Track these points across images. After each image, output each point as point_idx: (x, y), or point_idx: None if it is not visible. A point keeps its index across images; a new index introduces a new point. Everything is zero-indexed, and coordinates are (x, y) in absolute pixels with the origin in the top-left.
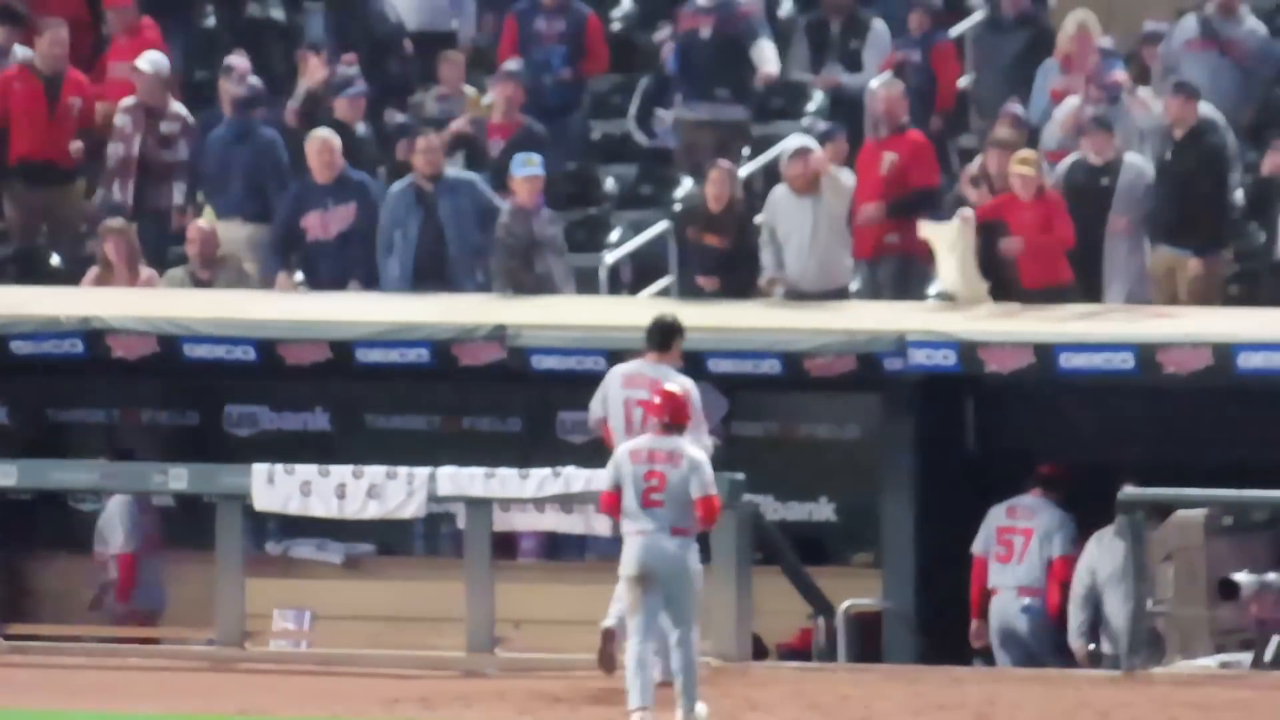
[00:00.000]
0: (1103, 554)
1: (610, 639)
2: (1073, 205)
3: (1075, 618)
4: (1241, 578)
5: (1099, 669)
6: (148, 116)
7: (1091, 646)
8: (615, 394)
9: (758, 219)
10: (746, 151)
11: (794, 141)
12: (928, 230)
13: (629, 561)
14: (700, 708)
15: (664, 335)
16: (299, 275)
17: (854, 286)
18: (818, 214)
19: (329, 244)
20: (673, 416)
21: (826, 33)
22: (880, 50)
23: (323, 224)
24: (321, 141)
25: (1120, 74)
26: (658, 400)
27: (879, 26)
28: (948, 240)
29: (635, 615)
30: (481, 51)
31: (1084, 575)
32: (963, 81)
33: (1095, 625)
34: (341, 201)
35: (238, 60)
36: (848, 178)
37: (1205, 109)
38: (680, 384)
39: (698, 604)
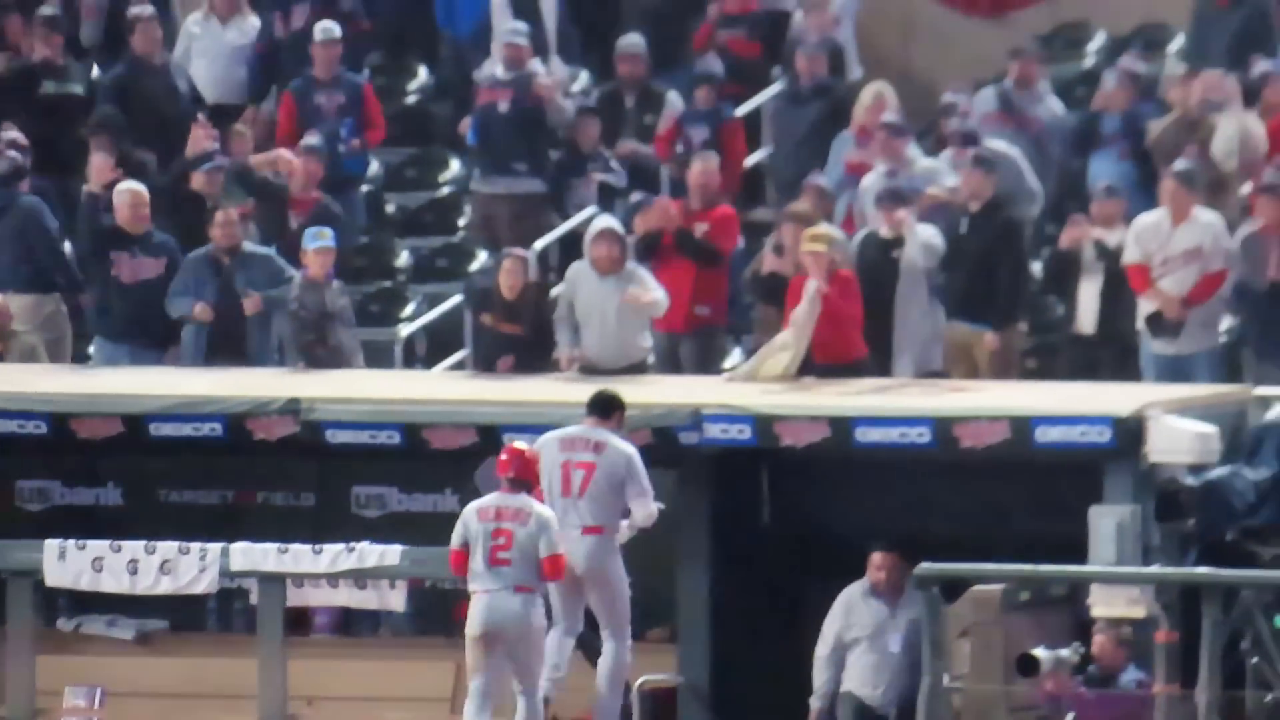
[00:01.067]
0: (850, 614)
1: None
2: (865, 278)
3: (819, 678)
4: (1040, 653)
5: None
6: None
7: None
8: (552, 457)
9: (555, 291)
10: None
11: (601, 222)
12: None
13: (474, 621)
14: None
15: (605, 405)
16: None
17: (651, 360)
18: (620, 294)
19: (129, 288)
20: (519, 473)
21: (621, 106)
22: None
23: (129, 267)
24: (133, 193)
25: (902, 142)
26: (504, 457)
27: (673, 98)
28: (799, 322)
29: (475, 677)
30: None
31: (829, 637)
32: (759, 154)
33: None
34: (149, 255)
35: (2, 133)
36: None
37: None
38: (623, 449)
39: (541, 661)
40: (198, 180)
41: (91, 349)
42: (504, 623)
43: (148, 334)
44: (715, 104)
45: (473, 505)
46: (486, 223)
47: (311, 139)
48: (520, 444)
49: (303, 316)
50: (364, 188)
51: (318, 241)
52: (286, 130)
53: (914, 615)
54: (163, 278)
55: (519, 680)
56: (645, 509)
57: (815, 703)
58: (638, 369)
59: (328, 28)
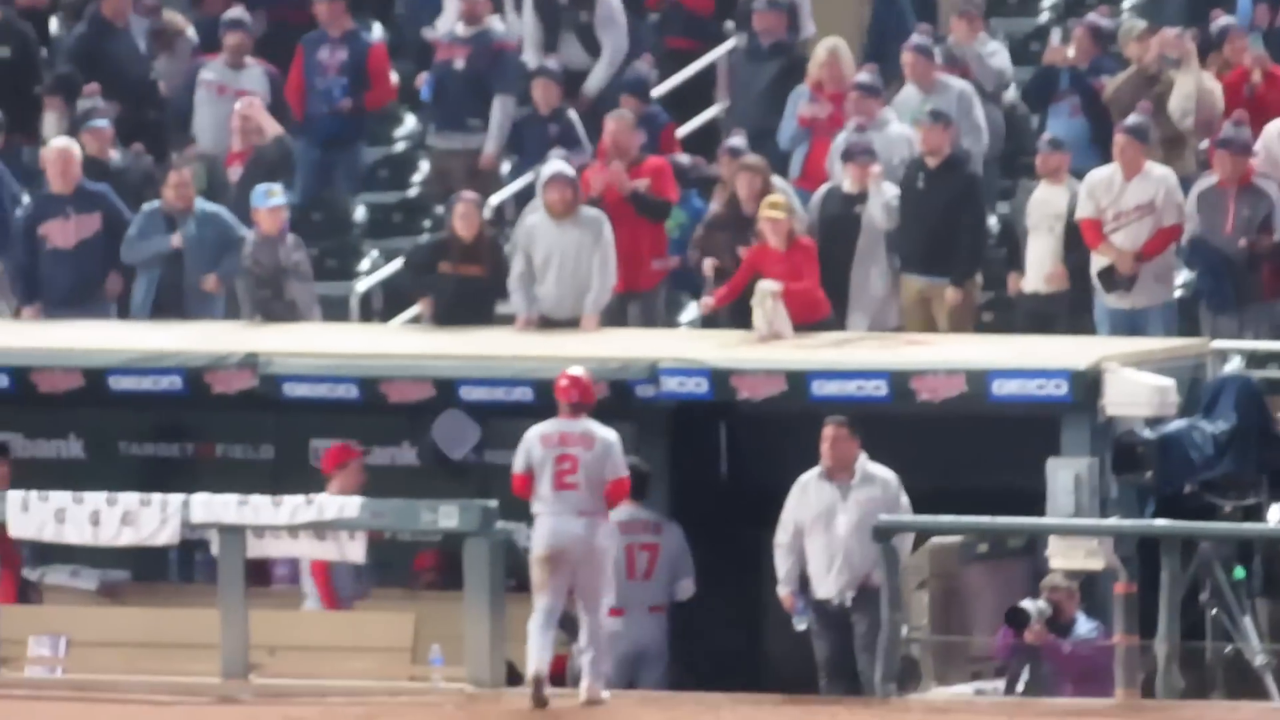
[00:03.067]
0: (803, 500)
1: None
2: (825, 233)
3: (781, 566)
4: (1028, 605)
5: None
6: None
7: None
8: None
9: (507, 248)
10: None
11: (552, 166)
12: (755, 298)
13: (539, 542)
14: (605, 692)
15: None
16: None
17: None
18: (580, 240)
19: (68, 253)
20: (581, 397)
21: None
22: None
23: (63, 232)
24: (58, 151)
25: (875, 102)
26: (564, 383)
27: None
28: (764, 306)
29: (540, 596)
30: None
31: (787, 523)
32: (715, 109)
33: (803, 575)
34: (84, 211)
35: None
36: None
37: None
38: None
39: (605, 582)
40: (88, 142)
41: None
42: (568, 545)
43: (89, 298)
44: (645, 110)
45: (535, 431)
46: (441, 178)
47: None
48: (576, 370)
49: (257, 273)
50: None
51: (269, 200)
52: (294, 82)
53: (863, 498)
54: (100, 233)
55: (582, 601)
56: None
57: (783, 590)
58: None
59: None
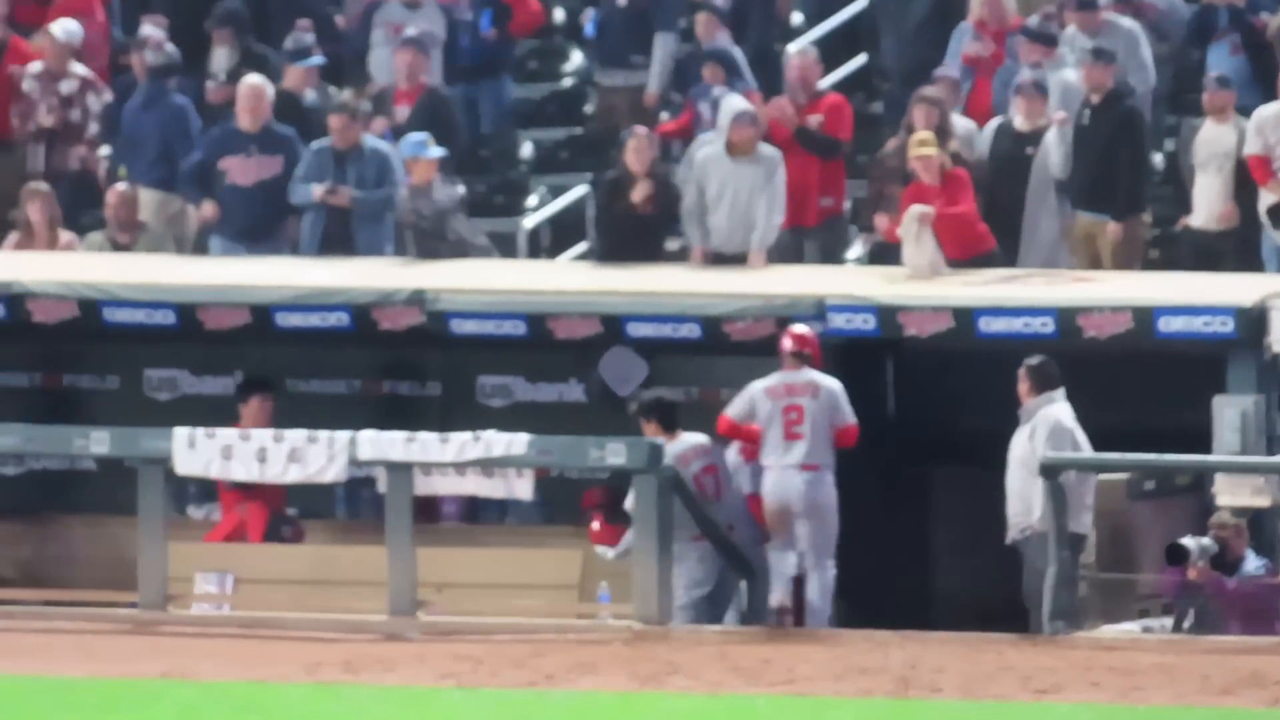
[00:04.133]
0: (1021, 444)
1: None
2: (996, 172)
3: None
4: (1188, 542)
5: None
6: (50, 80)
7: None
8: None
9: (679, 180)
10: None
11: (737, 104)
12: (901, 226)
13: (768, 495)
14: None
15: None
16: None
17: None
18: (753, 176)
19: (246, 190)
20: (804, 346)
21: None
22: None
23: (243, 169)
24: (251, 88)
25: (1039, 42)
26: (788, 338)
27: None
28: (911, 232)
29: (773, 546)
30: None
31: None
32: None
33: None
34: (267, 152)
35: (152, 29)
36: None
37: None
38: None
39: (830, 535)
40: (290, 76)
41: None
42: (792, 499)
43: (268, 234)
44: None
45: (759, 384)
46: (607, 114)
47: (411, 30)
48: (799, 328)
49: (421, 225)
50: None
51: (420, 151)
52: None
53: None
54: (279, 177)
55: (811, 553)
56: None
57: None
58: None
59: None
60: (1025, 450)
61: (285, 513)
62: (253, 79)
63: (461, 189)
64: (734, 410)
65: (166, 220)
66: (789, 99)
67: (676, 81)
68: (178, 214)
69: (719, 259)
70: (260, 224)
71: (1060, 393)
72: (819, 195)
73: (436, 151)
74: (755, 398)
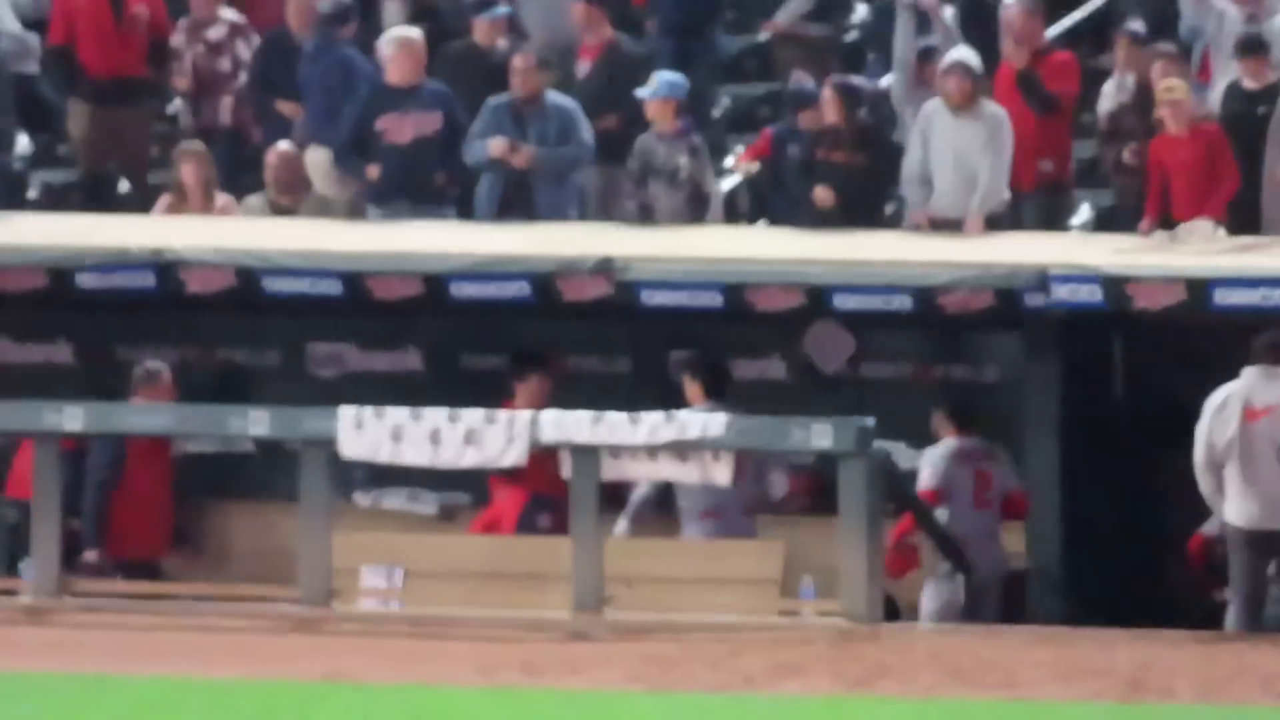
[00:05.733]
0: (1218, 422)
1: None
2: (1228, 132)
3: (1202, 484)
4: None
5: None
6: (198, 27)
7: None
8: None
9: (905, 134)
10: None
11: (954, 53)
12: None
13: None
14: None
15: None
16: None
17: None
18: (975, 135)
19: (404, 149)
20: None
21: None
22: None
23: (399, 127)
24: (400, 41)
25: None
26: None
27: None
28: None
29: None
30: None
31: (1201, 446)
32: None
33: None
34: (423, 108)
35: None
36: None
37: None
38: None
39: None
40: (479, 29)
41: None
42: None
43: (424, 194)
44: None
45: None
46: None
47: None
48: None
49: (639, 175)
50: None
51: (657, 90)
52: None
53: None
54: (439, 133)
55: None
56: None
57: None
58: (992, 221)
59: None
60: None
61: (547, 497)
62: (397, 31)
63: (688, 159)
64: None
65: (334, 182)
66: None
67: (876, 40)
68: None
69: (935, 225)
70: (421, 184)
71: None
72: (1036, 157)
73: (669, 91)
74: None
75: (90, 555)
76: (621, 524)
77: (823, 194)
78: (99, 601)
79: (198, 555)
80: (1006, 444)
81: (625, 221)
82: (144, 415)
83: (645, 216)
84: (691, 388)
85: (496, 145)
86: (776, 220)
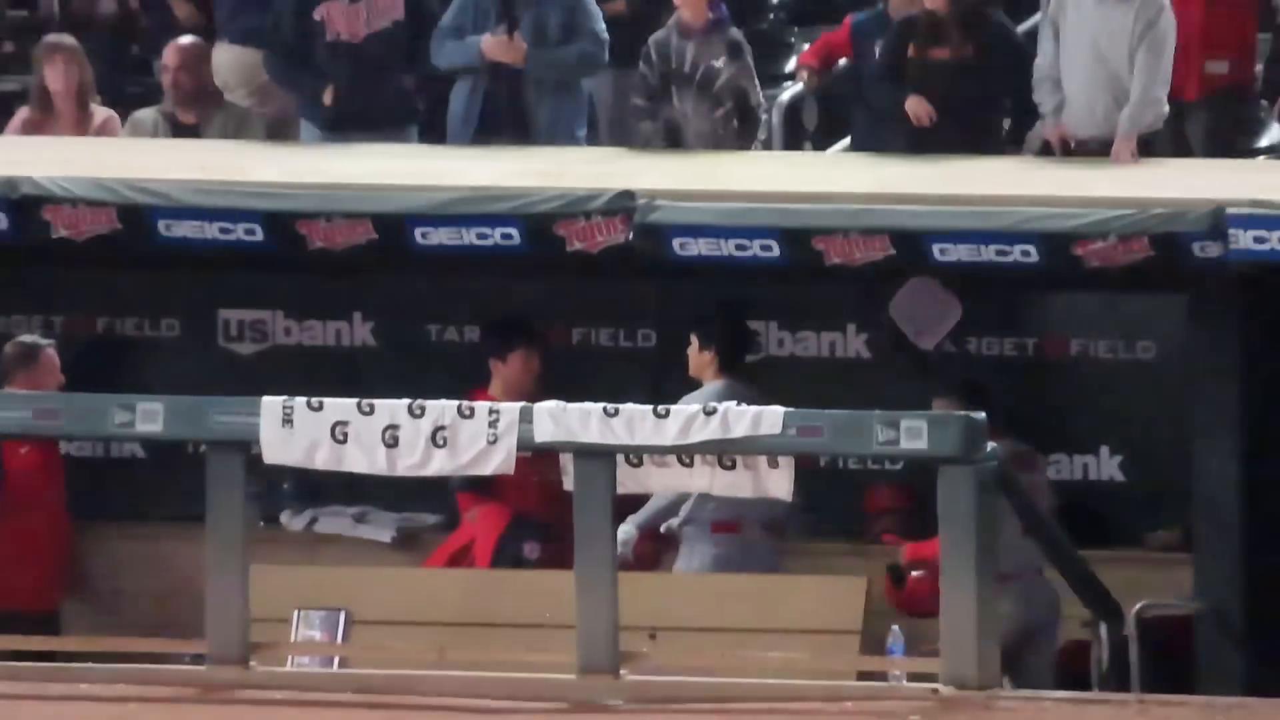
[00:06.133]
0: None
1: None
2: None
3: None
4: None
5: None
6: None
7: None
8: None
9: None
10: None
11: None
12: None
13: None
14: None
15: None
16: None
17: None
18: (1122, 25)
19: (353, 48)
20: None
21: None
22: None
23: (347, 19)
24: None
25: None
26: None
27: None
28: None
29: None
30: None
31: None
32: None
33: None
34: None
35: None
36: None
37: None
38: None
39: None
40: None
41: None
42: None
43: (382, 112)
44: None
45: None
46: None
47: None
48: None
49: (651, 80)
50: None
51: None
52: None
53: None
54: (401, 26)
55: None
56: None
57: None
58: (1147, 143)
59: None
60: None
61: (533, 520)
62: None
63: (728, 40)
64: None
65: (254, 92)
66: None
67: None
68: (268, 84)
69: (1068, 147)
70: (372, 97)
71: None
72: (1206, 54)
73: None
74: None
75: None
76: (626, 530)
77: (918, 106)
78: None
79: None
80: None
81: (650, 146)
82: None
83: (671, 139)
84: (700, 359)
85: (490, 43)
86: (855, 144)
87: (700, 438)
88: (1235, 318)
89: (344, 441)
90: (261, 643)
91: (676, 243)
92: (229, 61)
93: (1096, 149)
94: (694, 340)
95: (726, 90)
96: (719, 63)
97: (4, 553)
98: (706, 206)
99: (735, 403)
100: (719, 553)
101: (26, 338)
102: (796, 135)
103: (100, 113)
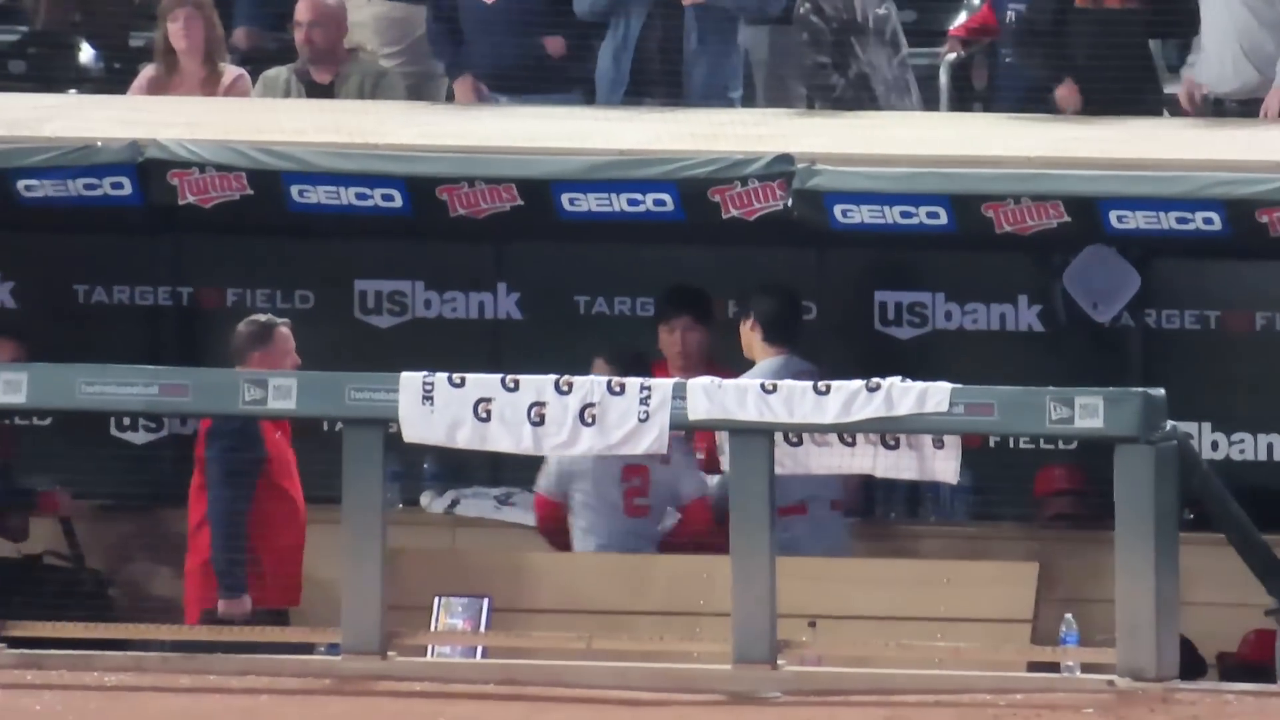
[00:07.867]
0: None
1: None
2: None
3: None
4: None
5: None
6: None
7: None
8: None
9: None
10: None
11: None
12: None
13: None
14: None
15: None
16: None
17: None
18: None
19: (494, 6)
20: None
21: None
22: None
23: None
24: None
25: None
26: None
27: None
28: None
29: None
30: None
31: None
32: None
33: None
34: None
35: None
36: None
37: None
38: None
39: None
40: None
41: None
42: None
43: (528, 72)
44: None
45: None
46: None
47: None
48: None
49: (813, 32)
50: None
51: None
52: None
53: None
54: None
55: None
56: None
57: None
58: None
59: None
60: None
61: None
62: None
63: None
64: None
65: (402, 44)
66: None
67: None
68: (419, 39)
69: (1200, 104)
70: (517, 55)
71: None
72: None
73: None
74: None
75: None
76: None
77: (1067, 95)
78: (52, 655)
79: None
80: None
81: (843, 104)
82: (115, 382)
83: (861, 92)
84: (750, 337)
85: None
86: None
87: (862, 415)
88: None
89: (487, 420)
90: (399, 631)
91: (838, 209)
92: (365, 20)
93: (1234, 109)
94: (746, 320)
95: (897, 36)
96: (883, 9)
97: (281, 543)
98: (869, 171)
99: (885, 380)
100: (787, 537)
101: (260, 316)
102: (964, 93)
103: (230, 71)
